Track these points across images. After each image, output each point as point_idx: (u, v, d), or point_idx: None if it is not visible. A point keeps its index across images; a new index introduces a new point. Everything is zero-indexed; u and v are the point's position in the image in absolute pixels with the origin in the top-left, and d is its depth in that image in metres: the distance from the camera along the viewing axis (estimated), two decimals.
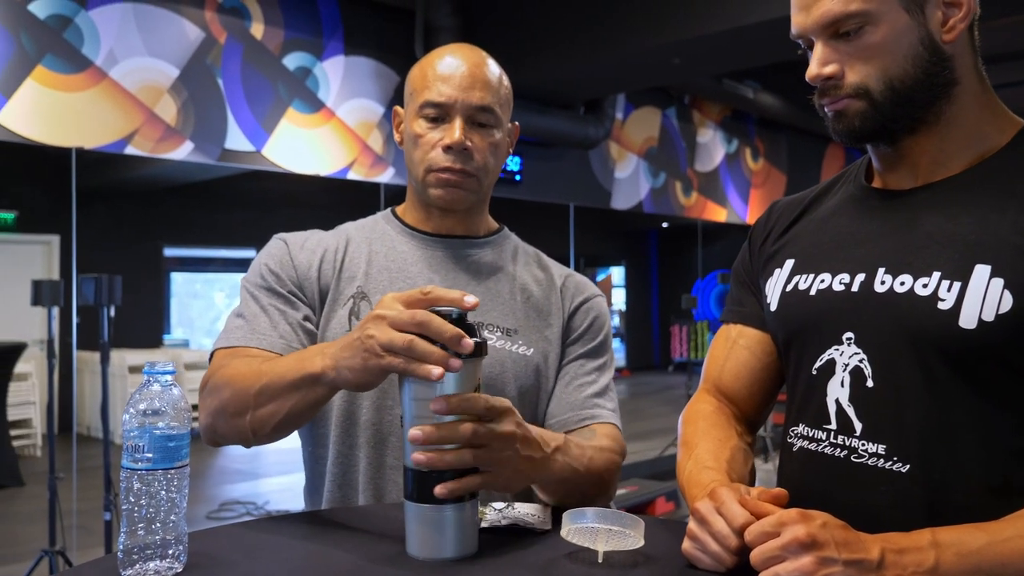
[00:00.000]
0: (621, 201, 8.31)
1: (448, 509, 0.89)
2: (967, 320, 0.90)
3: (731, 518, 0.85)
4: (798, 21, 0.99)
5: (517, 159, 7.18)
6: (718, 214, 9.61)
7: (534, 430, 0.99)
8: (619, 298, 13.97)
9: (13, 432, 6.29)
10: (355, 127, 5.92)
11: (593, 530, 0.88)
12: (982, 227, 0.94)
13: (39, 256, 7.18)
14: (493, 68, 1.28)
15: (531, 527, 1.01)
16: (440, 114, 1.23)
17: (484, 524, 1.01)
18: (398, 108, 1.33)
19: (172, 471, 0.88)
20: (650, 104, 8.58)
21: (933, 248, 0.95)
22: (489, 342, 1.23)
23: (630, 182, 8.39)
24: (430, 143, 1.24)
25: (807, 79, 0.99)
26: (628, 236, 13.34)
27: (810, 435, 1.03)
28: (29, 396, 6.62)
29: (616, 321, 14.16)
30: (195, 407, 1.02)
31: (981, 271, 0.91)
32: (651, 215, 9.00)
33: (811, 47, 1.00)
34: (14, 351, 5.87)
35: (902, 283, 0.96)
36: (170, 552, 0.88)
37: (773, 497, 0.88)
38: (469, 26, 6.23)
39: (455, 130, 1.23)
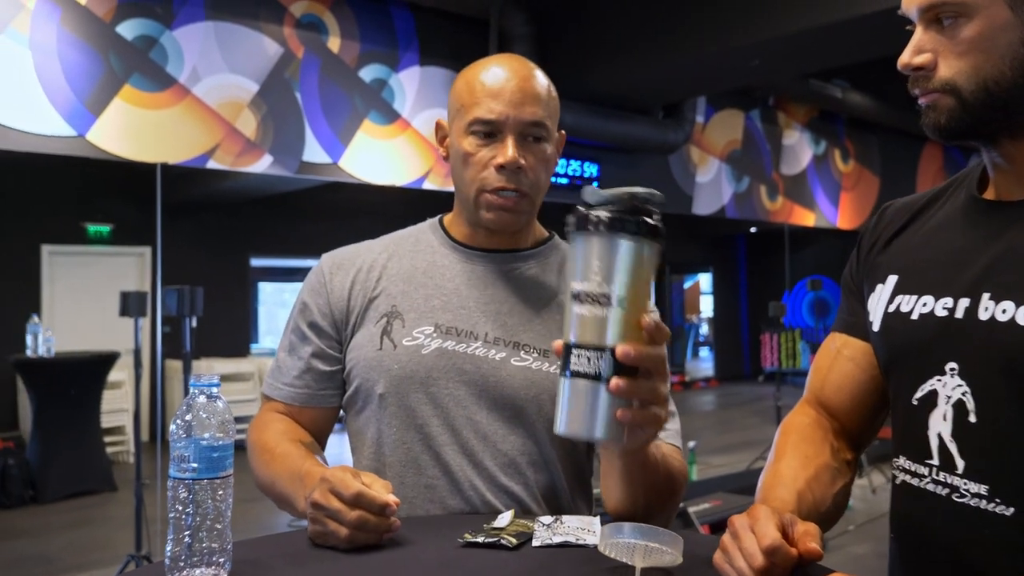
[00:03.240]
0: (703, 206, 8.19)
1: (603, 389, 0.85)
2: None
3: (761, 536, 0.83)
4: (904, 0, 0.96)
5: (595, 166, 7.16)
6: (806, 218, 9.37)
7: None
8: (707, 305, 13.76)
9: (107, 439, 6.60)
10: (430, 137, 6.01)
11: (631, 546, 0.88)
12: None
13: (133, 267, 7.52)
14: (541, 80, 1.27)
15: (583, 544, 1.01)
16: (491, 131, 1.22)
17: (535, 543, 1.02)
18: (441, 121, 1.32)
19: (217, 480, 0.91)
20: (732, 106, 8.44)
21: None
22: (526, 363, 1.23)
23: (712, 187, 8.27)
24: (481, 162, 1.23)
25: (898, 67, 0.96)
26: (715, 241, 13.13)
27: (912, 469, 0.99)
28: (122, 404, 6.92)
29: (704, 329, 13.94)
30: (238, 419, 1.07)
31: None
32: (736, 220, 8.84)
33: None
34: (108, 360, 6.14)
35: (1004, 311, 0.91)
36: (215, 559, 0.91)
37: (803, 533, 0.85)
38: (543, 33, 6.26)
39: (508, 148, 1.21)
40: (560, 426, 0.87)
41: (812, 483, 1.01)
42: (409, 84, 5.99)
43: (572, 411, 0.86)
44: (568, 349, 0.86)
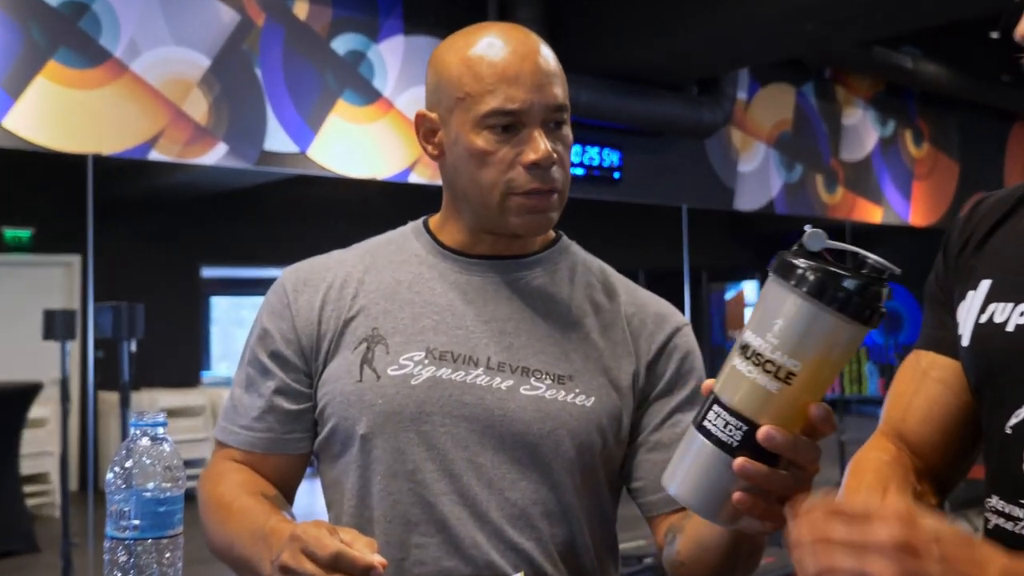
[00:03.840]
0: (747, 200, 8.20)
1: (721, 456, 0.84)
2: None
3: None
4: None
5: (616, 153, 7.17)
6: (872, 214, 9.37)
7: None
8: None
9: (28, 489, 6.57)
10: None
11: None
12: None
13: (59, 280, 7.53)
14: (548, 50, 1.28)
15: None
16: (512, 123, 1.23)
17: None
18: (427, 113, 1.30)
19: (163, 541, 0.91)
20: (781, 80, 8.45)
21: None
22: (538, 392, 1.24)
23: (758, 177, 8.27)
24: (505, 161, 1.23)
25: (1016, 37, 0.98)
26: (762, 242, 13.13)
27: (1006, 511, 0.99)
28: (46, 446, 6.89)
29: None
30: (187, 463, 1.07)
31: None
32: (787, 216, 8.83)
33: None
34: (28, 393, 6.12)
35: None
36: None
37: None
38: None
39: (539, 142, 1.23)
40: (671, 485, 0.88)
41: None
42: (392, 57, 6.01)
43: (688, 474, 0.87)
44: (712, 398, 0.86)
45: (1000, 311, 1.02)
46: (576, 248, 1.39)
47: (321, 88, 5.76)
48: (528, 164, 1.22)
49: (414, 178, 5.96)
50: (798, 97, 8.65)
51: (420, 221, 1.39)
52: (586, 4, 6.35)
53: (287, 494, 1.32)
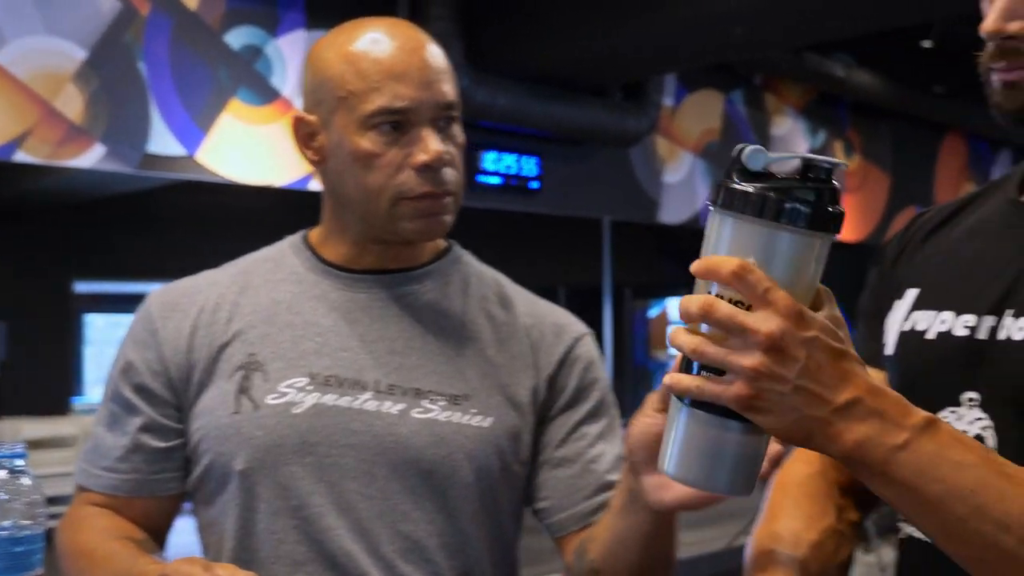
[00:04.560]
0: (672, 213, 8.33)
1: (732, 427, 0.84)
2: None
3: None
4: None
5: (534, 161, 7.21)
6: None
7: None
8: None
9: None
10: None
11: None
12: None
13: None
14: (436, 46, 1.30)
15: None
16: (399, 122, 1.23)
17: None
18: (304, 115, 1.30)
19: None
20: (709, 86, 8.62)
21: None
22: (431, 414, 1.25)
23: (684, 188, 8.41)
24: (394, 163, 1.24)
25: (982, 32, 1.00)
26: (688, 258, 13.32)
27: None
28: None
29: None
30: (54, 500, 1.05)
31: None
32: None
33: None
34: None
35: (1021, 328, 0.98)
36: None
37: None
38: None
39: (429, 142, 1.24)
40: (669, 466, 0.86)
41: (817, 550, 1.05)
42: (292, 53, 5.96)
43: (687, 451, 0.85)
44: (687, 365, 0.85)
45: (923, 319, 1.07)
46: (469, 258, 1.40)
47: (212, 85, 5.69)
48: (419, 166, 1.23)
49: (314, 186, 5.89)
50: (727, 104, 8.84)
51: (299, 236, 1.38)
52: (504, 2, 6.40)
53: (158, 538, 1.30)
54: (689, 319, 0.82)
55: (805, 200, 0.81)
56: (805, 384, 0.79)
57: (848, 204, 10.10)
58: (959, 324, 1.04)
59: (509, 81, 6.48)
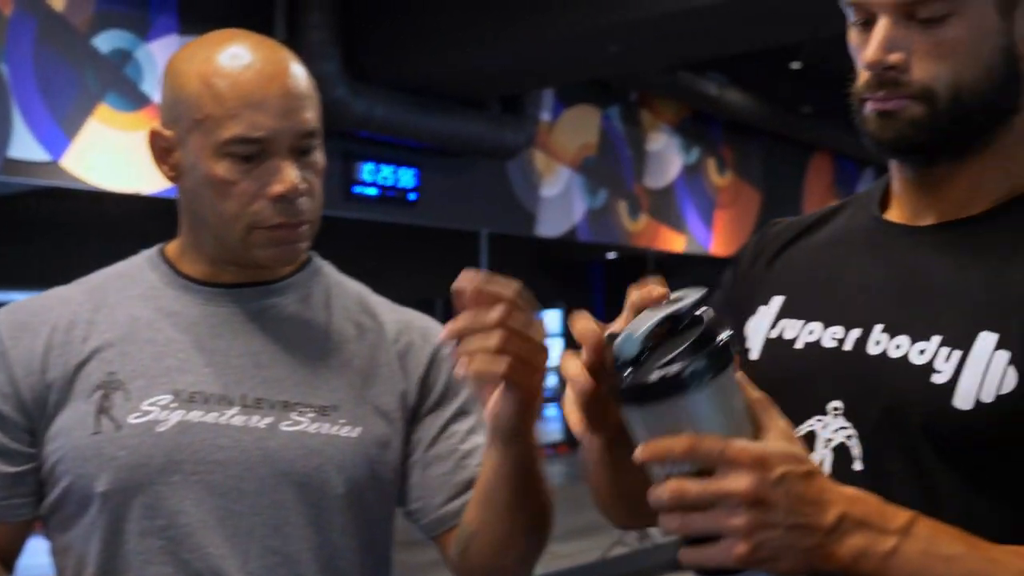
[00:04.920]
0: (549, 226, 8.40)
1: None
2: (963, 399, 0.96)
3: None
4: None
5: (412, 171, 7.20)
6: (674, 242, 9.79)
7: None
8: (554, 351, 14.05)
9: None
10: None
11: None
12: (992, 286, 0.99)
13: None
14: (300, 69, 1.26)
15: None
16: (255, 152, 1.20)
17: None
18: (160, 130, 1.26)
19: None
20: (586, 102, 8.74)
21: (937, 305, 1.01)
22: (300, 427, 1.24)
23: (561, 202, 8.50)
24: (248, 192, 1.21)
25: (862, 62, 1.03)
26: (565, 271, 13.49)
27: None
28: None
29: (551, 381, 14.22)
30: None
31: (985, 340, 0.97)
32: (590, 244, 9.11)
33: (867, 20, 1.03)
34: None
35: (898, 346, 1.01)
36: None
37: None
38: (350, 1, 6.26)
39: (285, 173, 1.20)
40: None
41: None
42: (164, 59, 5.82)
43: None
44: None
45: (790, 328, 1.10)
46: (329, 269, 1.39)
47: (79, 90, 5.53)
48: (274, 197, 1.20)
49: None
50: (603, 120, 8.97)
51: (155, 250, 1.34)
52: (384, 12, 6.37)
53: (7, 564, 1.25)
54: (670, 508, 0.84)
55: (697, 357, 0.82)
56: (794, 520, 0.82)
57: (721, 219, 10.35)
58: (827, 336, 1.07)
59: (387, 92, 6.46)
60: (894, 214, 1.11)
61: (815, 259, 1.15)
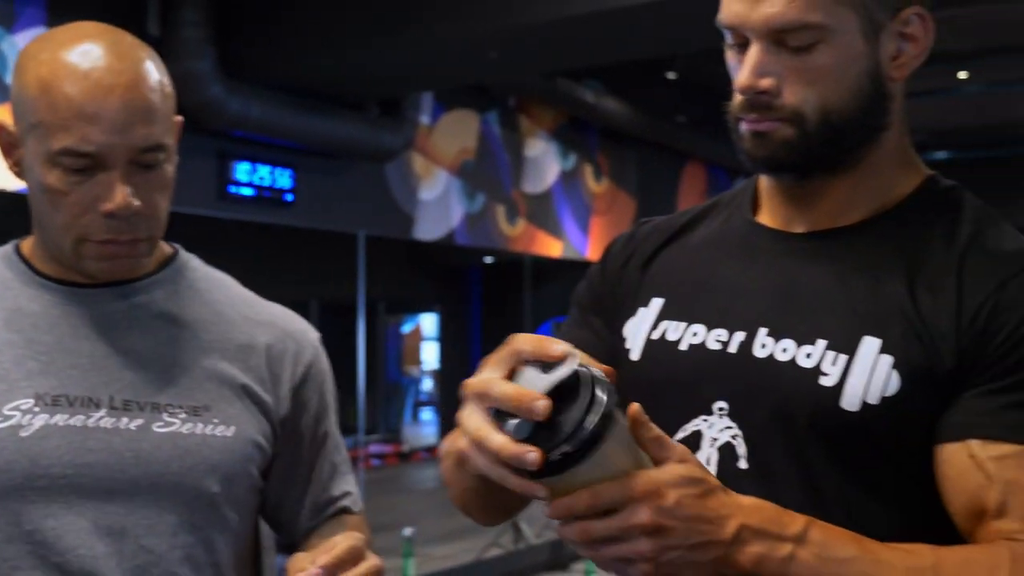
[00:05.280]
0: (427, 229, 8.42)
1: None
2: (850, 401, 1.01)
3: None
4: (737, 10, 1.06)
5: (288, 172, 7.13)
6: (551, 247, 9.91)
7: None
8: (431, 354, 14.06)
9: None
10: None
11: None
12: (871, 293, 1.05)
13: None
14: (152, 75, 1.21)
15: None
16: (87, 164, 1.16)
17: None
18: (5, 124, 1.22)
19: None
20: (466, 106, 8.78)
21: (821, 311, 1.06)
22: (173, 427, 1.23)
23: (439, 205, 8.52)
24: (79, 205, 1.16)
25: (736, 87, 1.07)
26: (442, 274, 13.49)
27: None
28: None
29: (427, 385, 14.22)
30: None
31: (870, 344, 1.02)
32: (468, 248, 9.15)
33: (742, 43, 1.07)
34: None
35: (784, 350, 1.06)
36: None
37: None
38: None
39: (116, 191, 1.16)
40: None
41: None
42: None
43: None
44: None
45: (673, 329, 1.14)
46: (197, 263, 1.37)
47: None
48: (106, 213, 1.17)
49: None
50: (482, 125, 9.02)
51: (10, 247, 1.30)
52: (260, 10, 6.29)
53: None
54: (580, 544, 0.89)
55: (585, 426, 0.86)
56: (694, 540, 0.89)
57: (597, 225, 10.51)
58: (711, 338, 1.10)
59: (263, 91, 6.38)
60: (766, 218, 1.16)
61: (693, 261, 1.18)
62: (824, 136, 1.06)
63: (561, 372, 0.87)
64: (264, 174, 6.91)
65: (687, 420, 1.10)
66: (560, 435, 0.86)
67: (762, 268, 1.12)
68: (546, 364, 0.88)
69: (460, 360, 14.19)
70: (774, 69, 1.05)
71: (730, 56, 1.10)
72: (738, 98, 1.08)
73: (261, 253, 7.95)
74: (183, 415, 1.23)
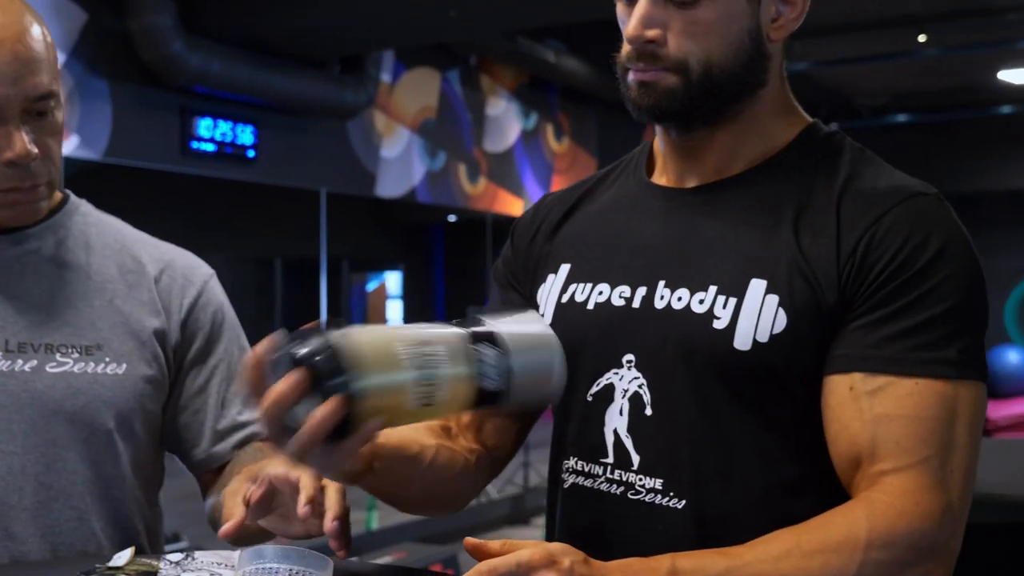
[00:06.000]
0: (389, 187, 8.44)
1: None
2: (742, 341, 1.09)
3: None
4: None
5: (250, 128, 7.14)
6: (512, 206, 9.95)
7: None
8: (395, 312, 14.10)
9: None
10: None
11: (272, 571, 0.98)
12: (758, 238, 1.12)
13: None
14: (35, 25, 1.25)
15: None
16: None
17: None
18: None
19: None
20: (427, 64, 8.77)
21: (711, 259, 1.14)
22: (65, 367, 1.27)
23: (401, 163, 8.54)
24: None
25: (625, 36, 1.14)
26: (406, 233, 13.48)
27: (585, 470, 1.19)
28: None
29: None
30: None
31: (756, 287, 1.10)
32: (430, 205, 9.18)
33: None
34: None
35: (679, 298, 1.14)
36: None
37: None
38: None
39: (15, 140, 1.21)
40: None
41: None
42: None
43: None
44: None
45: (580, 291, 1.21)
46: (88, 208, 1.41)
47: None
48: (5, 163, 1.22)
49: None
50: (443, 83, 9.02)
51: None
52: None
53: None
54: None
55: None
56: None
57: (558, 184, 10.54)
58: (616, 295, 1.17)
59: (225, 47, 6.37)
60: (662, 178, 1.23)
61: (595, 225, 1.25)
62: (705, 87, 1.12)
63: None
64: (226, 130, 6.90)
65: (600, 375, 1.17)
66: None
67: (658, 225, 1.19)
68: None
69: (424, 317, 14.15)
70: (660, 20, 1.12)
71: (620, 9, 1.18)
72: (626, 48, 1.15)
73: (224, 209, 7.95)
74: (76, 355, 1.28)
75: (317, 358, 0.92)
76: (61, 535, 1.26)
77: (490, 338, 1.02)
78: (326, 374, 0.92)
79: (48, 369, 1.26)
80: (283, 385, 0.92)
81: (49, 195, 1.30)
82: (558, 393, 1.10)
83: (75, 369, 1.27)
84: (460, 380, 0.99)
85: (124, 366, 1.30)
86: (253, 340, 1.07)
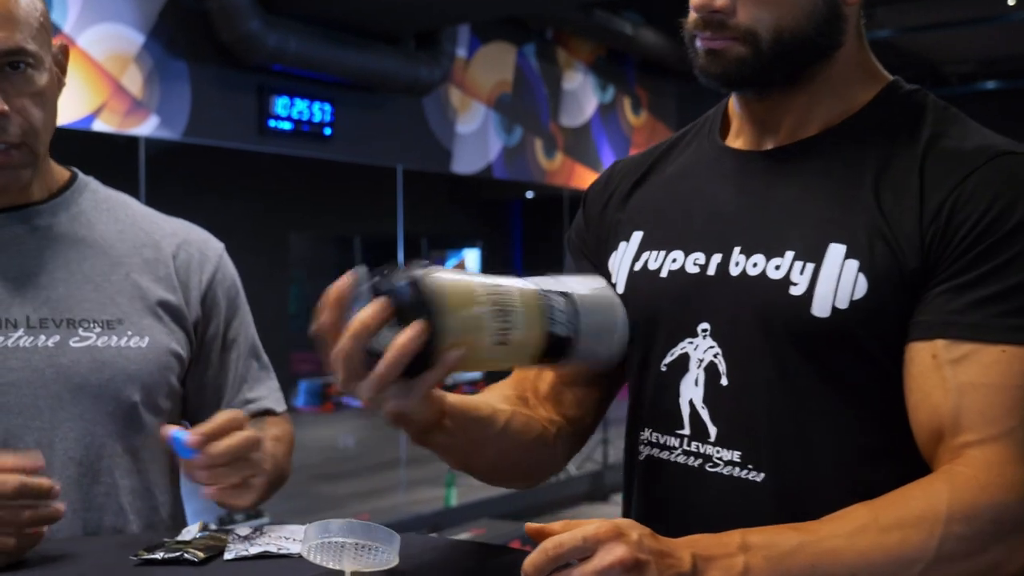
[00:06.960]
0: (465, 163, 8.44)
1: None
2: (820, 308, 1.06)
3: None
4: None
5: (327, 106, 7.17)
6: (589, 181, 9.83)
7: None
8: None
9: None
10: (103, 61, 5.77)
11: (338, 546, 0.98)
12: (836, 201, 1.09)
13: None
14: None
15: (286, 553, 1.11)
16: None
17: (228, 556, 1.12)
18: None
19: None
20: (502, 39, 8.74)
21: (787, 223, 1.11)
22: (89, 342, 1.27)
23: (476, 139, 8.53)
24: None
25: (692, 4, 1.12)
26: (483, 209, 13.51)
27: (661, 442, 1.18)
28: None
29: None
30: None
31: (835, 251, 1.07)
32: (506, 181, 9.16)
33: None
34: None
35: (755, 264, 1.11)
36: None
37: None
38: None
39: None
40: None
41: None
42: None
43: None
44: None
45: (653, 259, 1.19)
46: (97, 185, 1.41)
47: None
48: None
49: (99, 126, 5.70)
50: (519, 58, 8.98)
51: None
52: None
53: None
54: None
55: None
56: (665, 573, 0.88)
57: None
58: (690, 262, 1.15)
59: (301, 25, 6.41)
60: (737, 141, 1.20)
61: (668, 191, 1.23)
62: (777, 53, 1.09)
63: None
64: (302, 108, 6.96)
65: (675, 344, 1.15)
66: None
67: (733, 189, 1.17)
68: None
69: None
70: None
71: None
72: (693, 16, 1.12)
73: (302, 188, 8.03)
74: (98, 329, 1.28)
75: (400, 289, 0.95)
76: (91, 510, 1.28)
77: (559, 291, 1.05)
78: (408, 303, 0.94)
79: (72, 344, 1.27)
80: (366, 313, 0.93)
81: (31, 163, 1.28)
82: (620, 352, 1.10)
83: (99, 343, 1.28)
84: (533, 320, 1.01)
85: (147, 339, 1.31)
86: None
